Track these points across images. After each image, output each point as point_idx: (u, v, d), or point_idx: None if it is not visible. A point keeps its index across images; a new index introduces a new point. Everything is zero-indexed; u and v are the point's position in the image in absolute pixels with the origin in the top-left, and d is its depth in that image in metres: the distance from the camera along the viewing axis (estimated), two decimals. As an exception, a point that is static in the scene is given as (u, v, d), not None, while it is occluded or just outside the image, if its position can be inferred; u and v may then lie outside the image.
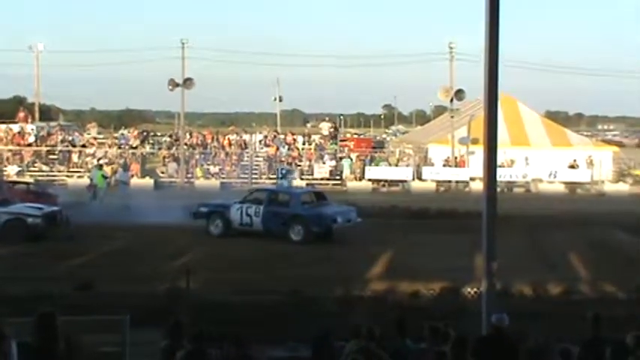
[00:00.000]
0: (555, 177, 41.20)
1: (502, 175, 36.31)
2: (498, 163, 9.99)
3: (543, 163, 41.51)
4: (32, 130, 45.11)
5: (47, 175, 40.11)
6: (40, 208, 23.09)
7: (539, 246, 22.54)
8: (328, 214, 23.15)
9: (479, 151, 30.08)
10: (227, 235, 23.34)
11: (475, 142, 38.05)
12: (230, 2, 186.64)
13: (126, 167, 39.03)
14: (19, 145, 42.68)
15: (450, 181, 40.73)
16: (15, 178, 35.68)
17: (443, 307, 13.64)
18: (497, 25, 9.05)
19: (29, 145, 42.94)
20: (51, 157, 42.43)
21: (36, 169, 41.06)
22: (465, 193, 38.14)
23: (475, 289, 13.95)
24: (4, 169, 39.23)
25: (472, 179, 38.95)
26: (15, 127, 44.86)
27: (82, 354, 6.39)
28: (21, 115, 47.65)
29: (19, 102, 70.59)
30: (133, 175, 37.96)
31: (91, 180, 32.82)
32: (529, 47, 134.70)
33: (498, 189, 10.01)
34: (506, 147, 37.06)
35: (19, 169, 40.21)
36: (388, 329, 8.57)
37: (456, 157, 41.81)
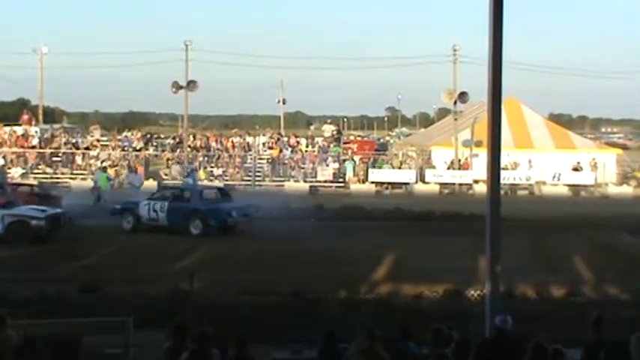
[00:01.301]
0: (559, 179, 41.17)
1: (506, 177, 36.28)
2: (502, 165, 9.98)
3: (547, 165, 41.47)
4: (36, 132, 45.25)
5: (51, 178, 40.17)
6: (43, 211, 23.14)
7: (542, 248, 22.52)
8: (224, 209, 24.63)
9: (482, 153, 30.18)
10: (138, 230, 24.56)
11: (479, 144, 38.09)
12: (234, 5, 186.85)
13: (132, 170, 39.02)
14: (22, 147, 42.77)
15: (453, 184, 40.72)
16: (19, 181, 35.71)
17: (446, 309, 13.63)
18: (501, 27, 9.05)
19: (33, 147, 43.03)
20: (55, 159, 42.51)
21: (40, 171, 41.14)
22: (469, 196, 38.15)
23: (478, 292, 13.94)
24: (8, 171, 39.28)
25: (476, 182, 38.96)
26: (19, 130, 45.01)
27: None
28: (25, 117, 47.79)
29: (22, 104, 70.80)
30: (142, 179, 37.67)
31: (95, 182, 32.91)
32: (533, 49, 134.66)
33: (502, 191, 9.99)
34: (509, 149, 37.00)
35: (23, 171, 40.30)
36: (392, 331, 8.58)
37: (459, 160, 41.80)
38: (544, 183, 41.07)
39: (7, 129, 45.17)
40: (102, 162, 40.54)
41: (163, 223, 24.56)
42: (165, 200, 24.98)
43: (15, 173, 39.46)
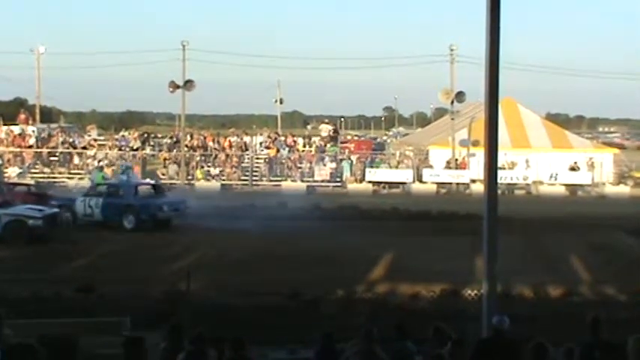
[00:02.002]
0: (556, 179, 41.16)
1: (503, 177, 36.26)
2: (499, 165, 9.99)
3: (544, 165, 41.44)
4: (33, 131, 45.15)
5: (48, 177, 40.14)
6: (40, 210, 23.12)
7: (539, 248, 22.52)
8: (156, 204, 25.65)
9: (479, 153, 30.17)
10: (75, 225, 24.65)
11: (476, 144, 38.03)
12: (232, 4, 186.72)
13: (129, 169, 38.98)
14: (20, 146, 42.71)
15: (450, 184, 40.72)
16: (16, 180, 35.68)
17: (443, 309, 13.64)
18: (498, 27, 9.06)
19: (30, 146, 42.97)
20: (52, 158, 42.46)
21: (37, 170, 41.10)
22: (466, 196, 38.14)
23: (475, 292, 13.94)
24: (6, 170, 39.23)
25: (473, 181, 38.93)
26: (16, 129, 44.94)
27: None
28: (22, 116, 47.70)
29: (20, 104, 70.53)
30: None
31: (92, 182, 32.86)
32: (530, 49, 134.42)
33: (499, 191, 10.00)
34: (506, 149, 37.03)
35: (20, 170, 40.22)
36: (389, 331, 8.58)
37: (456, 160, 41.80)
38: (541, 182, 41.07)
39: (5, 128, 45.11)
40: (99, 161, 40.52)
41: (98, 219, 25.30)
42: (100, 196, 25.75)
43: (12, 173, 39.42)
